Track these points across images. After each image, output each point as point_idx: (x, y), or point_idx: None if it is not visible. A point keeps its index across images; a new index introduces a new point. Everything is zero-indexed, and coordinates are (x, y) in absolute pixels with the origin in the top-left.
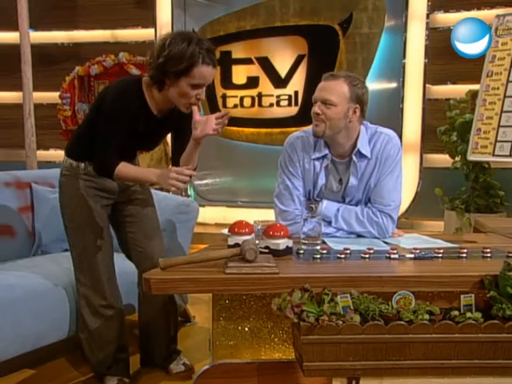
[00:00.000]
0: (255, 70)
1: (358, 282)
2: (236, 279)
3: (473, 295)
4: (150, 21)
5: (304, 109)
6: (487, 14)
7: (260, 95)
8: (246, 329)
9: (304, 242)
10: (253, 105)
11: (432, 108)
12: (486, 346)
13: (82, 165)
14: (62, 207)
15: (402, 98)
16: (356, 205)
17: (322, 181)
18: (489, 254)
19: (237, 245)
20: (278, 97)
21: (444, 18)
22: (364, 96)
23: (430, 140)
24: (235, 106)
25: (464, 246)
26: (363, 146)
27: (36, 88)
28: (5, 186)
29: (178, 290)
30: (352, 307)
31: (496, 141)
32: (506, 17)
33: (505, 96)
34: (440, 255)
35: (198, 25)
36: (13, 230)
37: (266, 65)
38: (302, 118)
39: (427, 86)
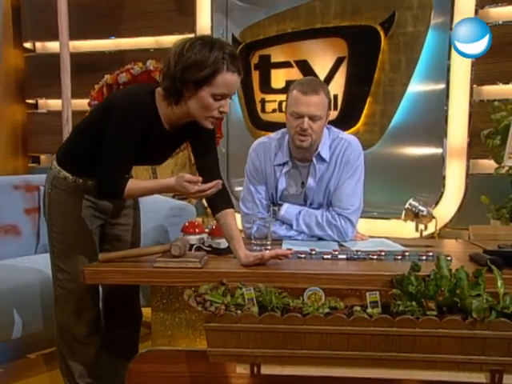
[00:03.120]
0: (294, 73)
1: (273, 278)
2: (161, 272)
3: (377, 292)
4: (191, 27)
5: (344, 113)
6: None
7: None
8: (182, 320)
9: (254, 242)
10: None
11: (480, 110)
12: (378, 338)
13: (81, 181)
14: (50, 223)
15: (447, 99)
16: (318, 208)
17: (282, 185)
18: (424, 257)
19: None
20: None
21: (495, 12)
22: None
23: (477, 144)
24: (274, 111)
25: (407, 250)
26: (323, 150)
27: (78, 95)
28: (14, 189)
29: (109, 280)
30: (254, 299)
31: None
32: None
33: None
34: (375, 257)
35: (238, 29)
36: (18, 229)
37: (306, 68)
38: (342, 122)
39: (474, 86)
